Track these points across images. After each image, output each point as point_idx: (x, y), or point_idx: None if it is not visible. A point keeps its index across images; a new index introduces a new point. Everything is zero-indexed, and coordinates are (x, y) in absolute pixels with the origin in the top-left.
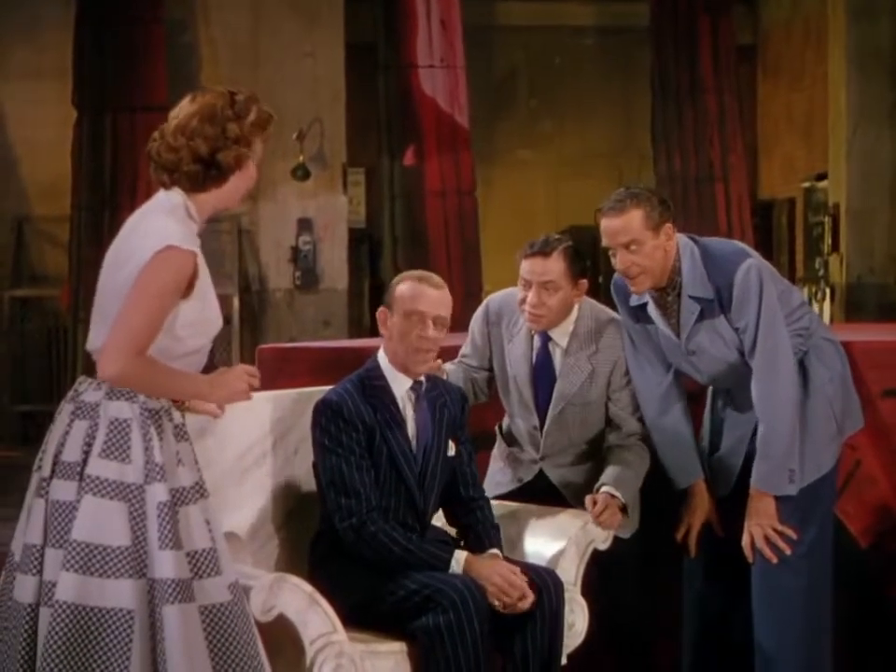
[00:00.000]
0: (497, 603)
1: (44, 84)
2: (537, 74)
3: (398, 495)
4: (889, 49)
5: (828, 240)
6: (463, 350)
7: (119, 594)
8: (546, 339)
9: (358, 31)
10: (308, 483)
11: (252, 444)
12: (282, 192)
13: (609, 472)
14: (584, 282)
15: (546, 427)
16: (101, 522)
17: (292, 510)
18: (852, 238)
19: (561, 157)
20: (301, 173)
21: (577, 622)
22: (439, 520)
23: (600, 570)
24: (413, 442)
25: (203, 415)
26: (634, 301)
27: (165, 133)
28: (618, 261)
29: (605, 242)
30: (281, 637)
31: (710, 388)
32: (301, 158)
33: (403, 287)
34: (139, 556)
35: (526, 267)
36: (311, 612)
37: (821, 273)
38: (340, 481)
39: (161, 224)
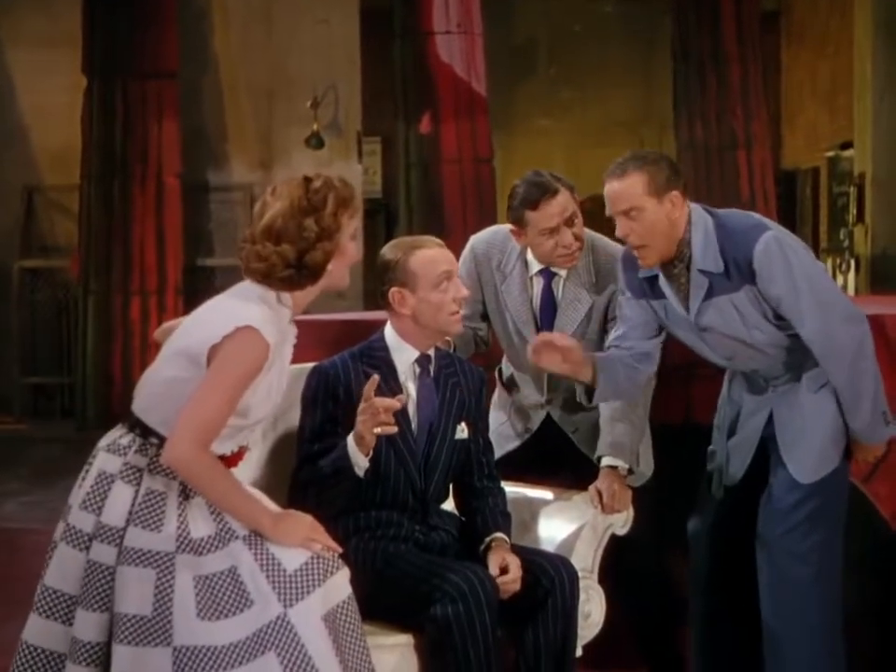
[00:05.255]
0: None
1: (55, 51)
2: (556, 41)
3: (396, 472)
4: None
5: (853, 210)
6: None
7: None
8: (550, 277)
9: None
10: None
11: None
12: (296, 161)
13: (604, 437)
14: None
15: None
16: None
17: None
18: (878, 208)
19: (581, 125)
20: (316, 141)
21: (593, 611)
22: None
23: (617, 556)
24: (414, 418)
25: None
26: (643, 272)
27: (255, 238)
28: (618, 228)
29: (607, 209)
30: None
31: (727, 375)
32: (316, 126)
33: (415, 260)
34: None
35: (548, 212)
36: None
37: (846, 244)
38: (307, 440)
39: (241, 304)
